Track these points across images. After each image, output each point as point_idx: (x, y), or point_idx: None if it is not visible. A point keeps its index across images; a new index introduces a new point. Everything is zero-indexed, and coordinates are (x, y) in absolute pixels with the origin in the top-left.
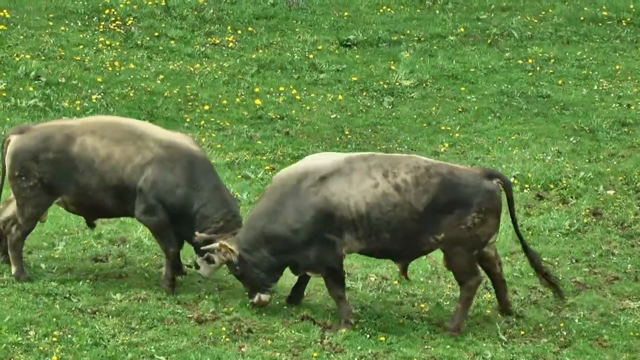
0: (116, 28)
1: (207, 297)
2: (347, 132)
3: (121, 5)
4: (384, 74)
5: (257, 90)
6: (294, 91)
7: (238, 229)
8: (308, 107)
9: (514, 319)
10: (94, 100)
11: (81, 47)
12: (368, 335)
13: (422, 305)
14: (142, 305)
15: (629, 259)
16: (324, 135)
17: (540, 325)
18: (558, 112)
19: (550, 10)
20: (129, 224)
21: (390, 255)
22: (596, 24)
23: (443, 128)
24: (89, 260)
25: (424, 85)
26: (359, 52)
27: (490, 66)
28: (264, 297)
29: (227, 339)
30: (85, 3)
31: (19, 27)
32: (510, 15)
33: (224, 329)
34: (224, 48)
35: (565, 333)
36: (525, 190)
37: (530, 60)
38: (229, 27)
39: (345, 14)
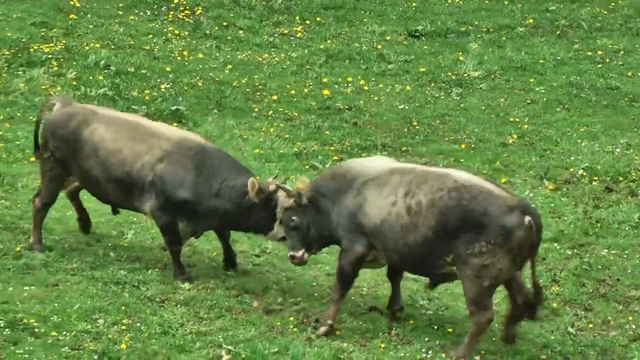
0: (185, 18)
1: (274, 286)
2: (415, 123)
3: None
4: (452, 65)
5: (325, 80)
6: (362, 82)
7: None
8: (376, 98)
9: (583, 312)
10: (162, 90)
11: (150, 36)
12: (436, 327)
13: None
14: (210, 295)
15: None
16: (391, 126)
17: (609, 318)
18: (627, 104)
19: (619, 2)
20: None
21: (407, 271)
22: None
23: (511, 119)
24: (158, 249)
25: (492, 76)
26: (427, 43)
27: (559, 58)
28: (307, 256)
29: (295, 329)
30: None
31: (89, 16)
32: (579, 6)
33: (291, 318)
34: (292, 38)
35: (634, 326)
36: (594, 183)
37: (599, 52)
38: (297, 17)
39: (414, 4)
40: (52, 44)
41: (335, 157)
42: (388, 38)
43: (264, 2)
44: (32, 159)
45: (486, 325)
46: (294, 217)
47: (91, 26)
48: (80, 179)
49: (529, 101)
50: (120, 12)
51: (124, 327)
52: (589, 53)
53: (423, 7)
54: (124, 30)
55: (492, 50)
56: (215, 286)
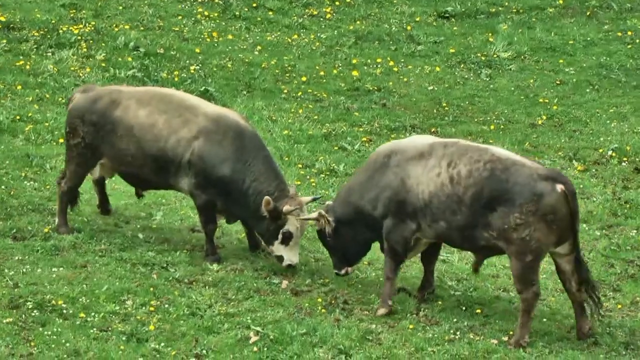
0: None
1: (303, 268)
2: (444, 105)
3: None
4: (481, 46)
5: (354, 62)
6: (391, 63)
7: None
8: (405, 79)
9: (611, 293)
10: (192, 71)
11: (180, 17)
12: (464, 308)
13: None
14: (239, 276)
15: None
16: (421, 107)
17: (638, 299)
18: None
19: None
20: None
21: (455, 245)
22: None
23: (541, 101)
24: (186, 231)
25: (522, 57)
26: (456, 24)
27: (589, 39)
28: (351, 270)
29: (323, 310)
30: None
31: None
32: None
33: (319, 300)
34: (321, 19)
35: None
36: (623, 164)
37: (629, 33)
38: None
39: None
40: (81, 26)
41: (364, 139)
42: (417, 19)
43: None
44: (61, 140)
45: (534, 300)
46: (328, 239)
47: (120, 7)
48: (113, 159)
49: (558, 82)
50: None
51: (152, 309)
52: (619, 34)
53: None
54: (153, 12)
55: (522, 31)
56: (244, 267)
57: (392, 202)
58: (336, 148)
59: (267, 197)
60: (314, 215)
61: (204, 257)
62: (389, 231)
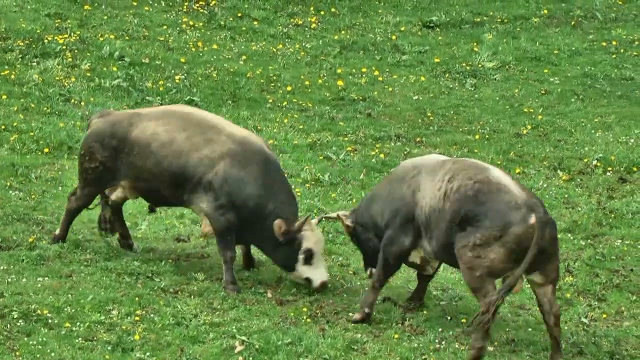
0: (199, 9)
1: (288, 277)
2: (429, 114)
3: None
4: (466, 56)
5: (339, 71)
6: (376, 72)
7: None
8: (390, 89)
9: (596, 303)
10: (177, 81)
11: (165, 27)
12: (449, 317)
13: None
14: (223, 285)
15: None
16: (406, 116)
17: (623, 308)
18: None
19: None
20: None
21: (448, 262)
22: None
23: (525, 110)
24: (172, 240)
25: (506, 67)
26: (441, 34)
27: (573, 48)
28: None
29: (308, 320)
30: None
31: (103, 7)
32: None
33: (305, 309)
34: (306, 29)
35: None
36: (608, 173)
37: (614, 43)
38: (311, 8)
39: None
40: (66, 35)
41: (349, 148)
42: (402, 29)
43: None
44: (47, 150)
45: (491, 304)
46: (353, 239)
47: (105, 17)
48: (131, 179)
49: (543, 92)
50: (135, 3)
51: (137, 318)
52: (604, 44)
53: None
54: (138, 22)
55: (507, 40)
56: None
57: (401, 213)
58: (321, 158)
59: (278, 221)
60: (333, 214)
61: (223, 287)
62: (387, 241)
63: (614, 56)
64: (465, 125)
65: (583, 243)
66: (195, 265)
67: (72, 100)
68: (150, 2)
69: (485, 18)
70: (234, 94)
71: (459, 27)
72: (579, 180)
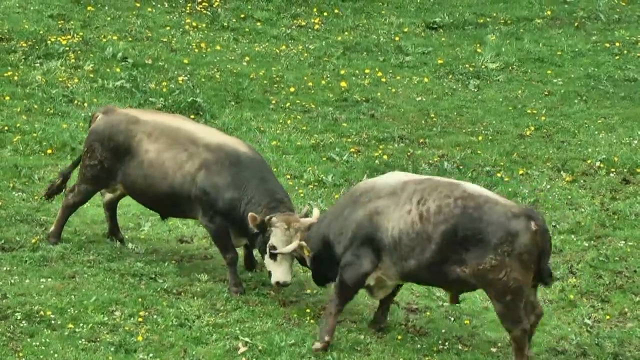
0: (202, 10)
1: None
2: (432, 115)
3: None
4: (469, 57)
5: (342, 72)
6: (380, 74)
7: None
8: (393, 90)
9: (599, 304)
10: (180, 82)
11: (168, 28)
12: (452, 319)
13: None
14: (227, 287)
15: None
16: (409, 118)
17: (626, 310)
18: None
19: None
20: None
21: (422, 283)
22: None
23: (529, 111)
24: (175, 242)
25: (510, 68)
26: (444, 35)
27: (577, 49)
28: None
29: (312, 321)
30: None
31: (106, 8)
32: None
33: (308, 310)
34: (309, 30)
35: None
36: (611, 175)
37: (617, 44)
38: (314, 9)
39: None
40: (69, 36)
41: (352, 149)
42: (406, 30)
43: None
44: (50, 151)
45: (524, 337)
46: (307, 263)
47: (108, 18)
48: (127, 188)
49: (546, 93)
50: (138, 4)
51: (140, 319)
52: (607, 45)
53: None
54: (141, 23)
55: (510, 42)
56: None
57: (357, 237)
58: (324, 159)
59: (251, 214)
60: (291, 247)
61: (228, 289)
62: (346, 264)
63: (617, 57)
64: (468, 126)
65: (586, 244)
66: (199, 266)
67: (75, 102)
68: (153, 3)
69: (488, 19)
70: (237, 95)
71: (462, 29)
72: (582, 181)
